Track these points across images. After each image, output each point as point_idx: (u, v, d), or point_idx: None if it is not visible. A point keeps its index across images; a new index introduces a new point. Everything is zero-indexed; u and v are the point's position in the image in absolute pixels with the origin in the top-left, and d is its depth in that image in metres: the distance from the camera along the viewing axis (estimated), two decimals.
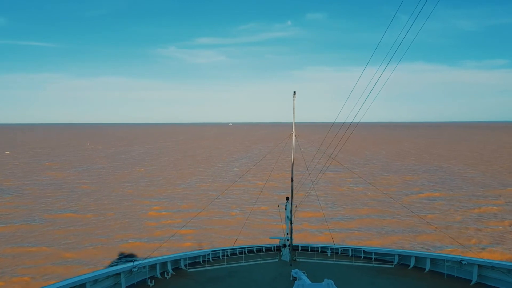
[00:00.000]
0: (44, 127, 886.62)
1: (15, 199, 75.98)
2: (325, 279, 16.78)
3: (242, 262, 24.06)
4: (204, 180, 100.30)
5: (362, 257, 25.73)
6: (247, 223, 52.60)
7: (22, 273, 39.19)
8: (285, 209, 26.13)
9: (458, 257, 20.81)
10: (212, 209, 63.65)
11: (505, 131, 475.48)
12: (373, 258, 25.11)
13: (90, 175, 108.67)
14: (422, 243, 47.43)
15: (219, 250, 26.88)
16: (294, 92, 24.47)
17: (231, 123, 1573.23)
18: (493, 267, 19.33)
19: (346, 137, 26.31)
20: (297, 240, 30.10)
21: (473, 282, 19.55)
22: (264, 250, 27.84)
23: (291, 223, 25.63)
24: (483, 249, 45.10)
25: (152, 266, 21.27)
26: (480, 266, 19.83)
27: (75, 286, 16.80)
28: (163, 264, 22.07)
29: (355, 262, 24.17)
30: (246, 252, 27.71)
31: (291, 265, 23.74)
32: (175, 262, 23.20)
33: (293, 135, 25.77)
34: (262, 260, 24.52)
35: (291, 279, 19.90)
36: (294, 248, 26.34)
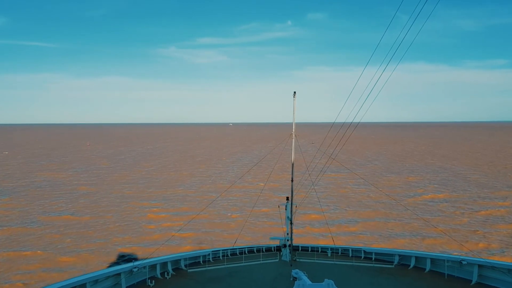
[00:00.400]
0: (44, 127, 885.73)
1: (12, 200, 75.18)
2: (325, 279, 16.76)
3: (242, 262, 24.06)
4: (204, 181, 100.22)
5: (362, 257, 25.72)
6: (246, 225, 52.08)
7: (15, 280, 37.98)
8: (285, 209, 26.16)
9: (458, 257, 20.80)
10: (212, 211, 63.31)
11: (506, 131, 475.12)
12: (373, 258, 25.10)
13: (89, 176, 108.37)
14: (429, 248, 46.16)
15: (219, 250, 26.87)
16: (294, 92, 24.47)
17: (231, 123, 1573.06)
18: (493, 267, 19.31)
19: (346, 137, 26.31)
20: (297, 241, 30.09)
21: (473, 282, 19.53)
22: (264, 250, 27.83)
23: (291, 223, 25.62)
24: (493, 254, 43.61)
25: (153, 266, 21.25)
26: (480, 266, 19.81)
27: (75, 286, 16.80)
28: (164, 264, 22.06)
29: (355, 262, 24.16)
30: (246, 252, 27.70)
31: (291, 265, 23.72)
32: (175, 262, 23.19)
33: (293, 135, 25.78)
34: (262, 260, 24.51)
35: (291, 279, 19.89)
36: (294, 248, 26.33)
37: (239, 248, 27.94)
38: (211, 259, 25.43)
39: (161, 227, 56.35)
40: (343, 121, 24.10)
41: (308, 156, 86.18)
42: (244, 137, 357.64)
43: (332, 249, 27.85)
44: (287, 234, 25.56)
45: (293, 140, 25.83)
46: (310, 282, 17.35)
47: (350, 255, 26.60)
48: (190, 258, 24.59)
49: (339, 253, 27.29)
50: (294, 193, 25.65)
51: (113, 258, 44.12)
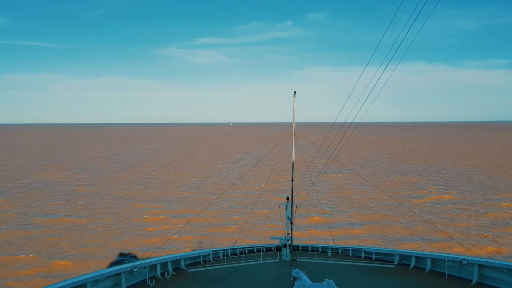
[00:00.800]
0: (44, 127, 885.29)
1: (8, 201, 74.19)
2: (326, 279, 16.76)
3: (242, 262, 24.06)
4: (204, 182, 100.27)
5: (363, 257, 25.73)
6: (245, 227, 51.20)
7: (6, 286, 36.94)
8: (285, 209, 26.18)
9: (458, 256, 20.80)
10: (211, 212, 63.03)
11: (506, 131, 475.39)
12: (373, 258, 25.11)
13: (88, 176, 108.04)
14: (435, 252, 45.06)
15: (219, 250, 26.89)
16: (295, 92, 24.50)
17: (231, 123, 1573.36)
18: (493, 267, 19.32)
19: (346, 137, 26.32)
20: (298, 241, 30.10)
21: (473, 282, 19.53)
22: (264, 250, 27.86)
23: (291, 223, 25.64)
24: (505, 259, 42.01)
25: (153, 266, 21.27)
26: (480, 266, 19.81)
27: (76, 286, 16.80)
28: (164, 264, 22.07)
29: (355, 262, 24.17)
30: (246, 252, 27.71)
31: (291, 265, 23.72)
32: (176, 262, 23.20)
33: (294, 135, 25.81)
34: (262, 260, 24.52)
35: (292, 279, 19.89)
36: (294, 248, 26.36)
37: (239, 248, 27.95)
38: (211, 259, 25.45)
39: (160, 229, 55.35)
40: (343, 121, 24.13)
41: (308, 156, 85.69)
42: (244, 137, 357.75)
43: (332, 249, 27.88)
44: (287, 234, 25.57)
45: (293, 140, 25.87)
46: (310, 282, 17.35)
47: (351, 255, 26.61)
48: (190, 258, 24.61)
49: (339, 253, 27.30)
50: (294, 194, 25.68)
51: (111, 262, 42.93)
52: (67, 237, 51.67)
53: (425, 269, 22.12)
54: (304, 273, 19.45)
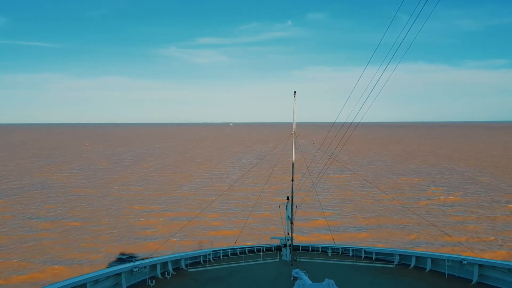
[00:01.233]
0: (44, 127, 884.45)
1: (4, 203, 72.52)
2: (326, 279, 16.78)
3: (242, 262, 24.08)
4: (204, 182, 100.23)
5: (363, 257, 25.74)
6: (245, 228, 50.74)
7: None
8: (286, 209, 26.20)
9: (458, 256, 20.82)
10: (211, 214, 62.78)
11: (507, 131, 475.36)
12: (373, 258, 25.12)
13: (87, 177, 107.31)
14: None
15: (219, 250, 26.90)
16: (295, 92, 24.52)
17: (231, 123, 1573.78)
18: (494, 267, 19.32)
19: (346, 137, 26.35)
20: (298, 241, 30.10)
21: (473, 282, 19.54)
22: (264, 250, 27.88)
23: (291, 223, 25.65)
24: None
25: (153, 266, 21.28)
26: (481, 265, 19.82)
27: (76, 286, 16.80)
28: (164, 264, 22.09)
29: (355, 262, 24.18)
30: (246, 252, 27.73)
31: (291, 265, 23.73)
32: (176, 262, 23.22)
33: (294, 135, 25.84)
34: (262, 260, 24.54)
35: (292, 279, 19.90)
36: (294, 248, 26.36)
37: (239, 248, 27.98)
38: (211, 259, 25.46)
39: (159, 231, 54.29)
40: (343, 121, 24.16)
41: (308, 156, 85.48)
42: (244, 137, 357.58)
43: (332, 248, 27.89)
44: (288, 233, 25.59)
45: (294, 140, 25.90)
46: (310, 282, 17.37)
47: (351, 254, 26.63)
48: (191, 258, 24.63)
49: (340, 253, 27.32)
50: (294, 194, 25.71)
51: (109, 265, 41.50)
52: (63, 241, 49.87)
53: (425, 269, 22.13)
54: (304, 273, 19.46)
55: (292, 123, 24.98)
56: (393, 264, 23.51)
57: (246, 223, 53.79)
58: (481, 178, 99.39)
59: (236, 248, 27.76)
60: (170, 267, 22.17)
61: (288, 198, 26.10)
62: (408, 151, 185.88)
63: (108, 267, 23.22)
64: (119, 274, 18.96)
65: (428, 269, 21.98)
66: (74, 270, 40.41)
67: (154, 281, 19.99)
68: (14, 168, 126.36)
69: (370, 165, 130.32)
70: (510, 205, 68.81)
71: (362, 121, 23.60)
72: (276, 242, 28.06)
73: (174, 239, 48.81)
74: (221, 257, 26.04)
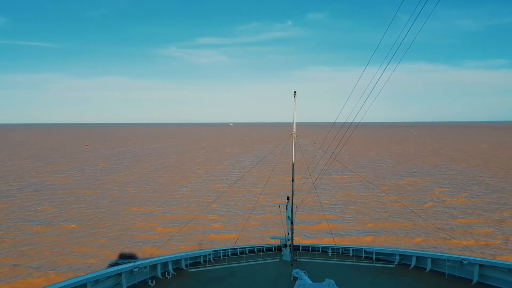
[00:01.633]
0: (44, 127, 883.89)
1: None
2: (326, 279, 16.78)
3: (243, 262, 24.07)
4: (204, 183, 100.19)
5: (363, 256, 25.74)
6: (244, 229, 50.39)
7: None
8: (286, 209, 26.19)
9: (459, 256, 20.81)
10: (211, 216, 62.59)
11: (507, 131, 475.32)
12: (374, 258, 25.12)
13: (85, 177, 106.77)
14: None
15: (220, 250, 26.90)
16: (295, 92, 24.54)
17: (231, 123, 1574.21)
18: (494, 267, 19.32)
19: (346, 137, 26.36)
20: (298, 241, 30.08)
21: (474, 282, 19.54)
22: (265, 250, 27.87)
23: (292, 223, 25.64)
24: None
25: (153, 266, 21.28)
26: (481, 265, 19.82)
27: (76, 287, 16.80)
28: (164, 264, 22.09)
29: (356, 262, 24.17)
30: (247, 252, 27.72)
31: (292, 265, 23.73)
32: (176, 262, 23.22)
33: (294, 135, 25.85)
34: (263, 260, 24.54)
35: (292, 279, 19.91)
36: (295, 248, 26.35)
37: (239, 248, 27.97)
38: (211, 259, 25.46)
39: (159, 235, 53.20)
40: (344, 121, 24.16)
41: (309, 156, 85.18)
42: (245, 137, 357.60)
43: (332, 248, 27.89)
44: (288, 234, 25.58)
45: (294, 140, 25.90)
46: (310, 282, 17.37)
47: (351, 254, 26.63)
48: (191, 258, 24.62)
49: (340, 253, 27.31)
50: (294, 195, 25.71)
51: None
52: (59, 245, 48.67)
53: (425, 269, 22.13)
54: (304, 273, 19.46)
55: (292, 123, 25.00)
56: (393, 264, 23.50)
57: (245, 225, 53.44)
58: (485, 179, 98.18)
59: (237, 248, 27.76)
60: (170, 267, 22.16)
61: (288, 198, 26.11)
62: (409, 151, 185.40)
63: (108, 267, 23.22)
64: (119, 274, 18.97)
65: (428, 269, 21.97)
66: (70, 277, 38.81)
67: (154, 281, 19.99)
68: (12, 169, 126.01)
69: (371, 166, 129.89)
70: None
71: (362, 121, 23.62)
72: (277, 242, 28.05)
73: (173, 242, 48.21)
74: (222, 257, 26.03)
